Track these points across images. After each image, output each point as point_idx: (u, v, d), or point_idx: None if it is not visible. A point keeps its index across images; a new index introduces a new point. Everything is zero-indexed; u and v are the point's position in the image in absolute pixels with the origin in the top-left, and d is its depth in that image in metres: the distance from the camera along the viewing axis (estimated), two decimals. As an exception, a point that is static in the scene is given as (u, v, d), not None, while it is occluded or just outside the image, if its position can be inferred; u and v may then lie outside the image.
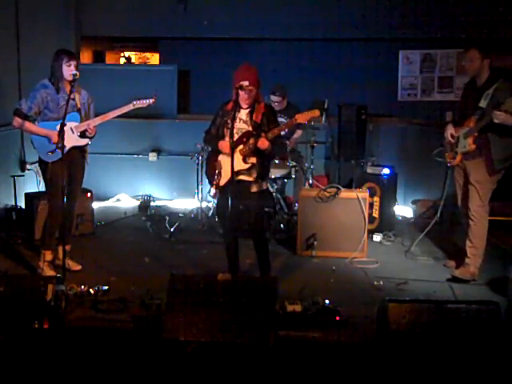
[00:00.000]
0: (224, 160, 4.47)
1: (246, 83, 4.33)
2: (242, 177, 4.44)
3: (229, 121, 4.40)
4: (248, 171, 4.44)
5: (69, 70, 4.63)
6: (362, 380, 3.44)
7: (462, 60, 4.78)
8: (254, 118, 4.43)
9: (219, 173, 4.50)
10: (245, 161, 4.40)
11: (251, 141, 4.38)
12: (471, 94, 4.77)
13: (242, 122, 4.46)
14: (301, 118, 4.33)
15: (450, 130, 4.87)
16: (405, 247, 5.83)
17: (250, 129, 4.43)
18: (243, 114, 4.48)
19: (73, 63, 4.64)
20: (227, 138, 4.40)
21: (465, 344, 3.42)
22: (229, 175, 4.33)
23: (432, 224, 5.35)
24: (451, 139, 4.84)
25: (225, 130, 4.47)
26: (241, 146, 4.40)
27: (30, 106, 4.68)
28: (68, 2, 7.80)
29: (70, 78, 4.63)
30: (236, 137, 4.37)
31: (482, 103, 4.58)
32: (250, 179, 4.45)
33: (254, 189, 4.47)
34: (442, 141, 5.01)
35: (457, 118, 4.96)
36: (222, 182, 4.50)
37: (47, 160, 4.71)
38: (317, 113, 4.32)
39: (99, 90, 5.13)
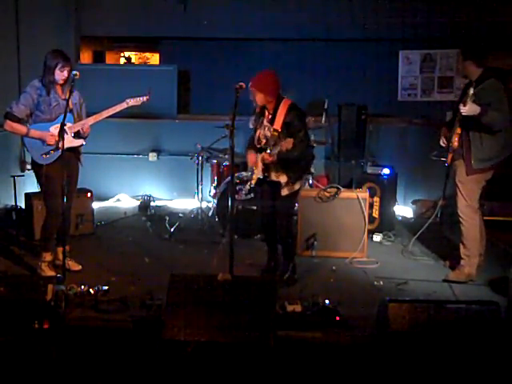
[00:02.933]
0: (258, 162, 4.67)
1: (250, 84, 4.49)
2: (272, 178, 4.63)
3: (257, 126, 4.64)
4: (276, 173, 4.61)
5: (61, 75, 4.61)
6: (362, 380, 3.44)
7: (459, 63, 4.82)
8: (274, 125, 4.53)
9: (253, 172, 4.71)
10: (263, 170, 4.62)
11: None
12: (464, 94, 4.74)
13: (266, 128, 4.59)
14: (284, 146, 4.36)
15: (444, 132, 4.88)
16: (405, 247, 5.83)
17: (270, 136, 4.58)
18: (267, 119, 4.61)
19: (67, 69, 4.59)
20: (256, 144, 4.66)
21: (465, 344, 3.42)
22: (257, 176, 4.66)
23: (428, 223, 5.34)
24: (445, 141, 4.83)
25: (254, 135, 4.71)
26: (262, 154, 4.58)
27: (21, 108, 4.60)
28: (68, 2, 7.80)
29: (61, 82, 4.64)
30: (263, 142, 4.60)
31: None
32: (280, 180, 4.61)
33: (285, 192, 4.63)
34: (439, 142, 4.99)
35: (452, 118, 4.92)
36: (253, 182, 4.73)
37: (42, 162, 4.65)
38: (290, 142, 4.35)
39: (99, 90, 5.15)
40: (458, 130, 4.63)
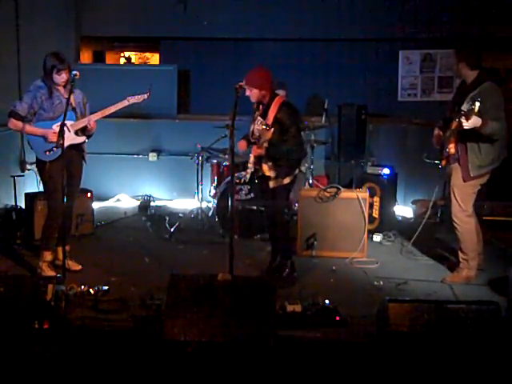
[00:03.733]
0: (251, 156, 4.78)
1: (243, 83, 4.50)
2: (264, 172, 4.70)
3: (252, 120, 4.74)
4: (266, 167, 4.68)
5: (60, 78, 4.67)
6: (362, 380, 3.44)
7: (454, 64, 4.79)
8: (266, 119, 4.62)
9: (246, 167, 4.82)
10: (255, 163, 4.72)
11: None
12: (459, 95, 4.72)
13: (259, 122, 4.67)
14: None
15: (436, 135, 4.86)
16: (405, 247, 5.83)
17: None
18: (260, 114, 4.69)
19: (64, 72, 4.65)
20: (250, 138, 4.76)
21: (465, 344, 3.42)
22: (250, 169, 4.77)
23: (423, 222, 5.32)
24: (437, 144, 4.83)
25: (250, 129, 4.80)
26: (254, 147, 4.69)
27: (25, 107, 4.68)
28: (68, 2, 7.80)
29: (62, 84, 4.70)
30: (256, 136, 4.70)
31: (464, 106, 4.48)
32: (269, 175, 4.69)
33: (272, 185, 4.70)
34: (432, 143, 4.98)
35: (447, 118, 4.84)
36: (247, 175, 4.88)
37: (45, 159, 4.70)
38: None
39: (99, 90, 5.15)
40: (455, 137, 4.57)
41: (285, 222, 4.86)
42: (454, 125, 4.54)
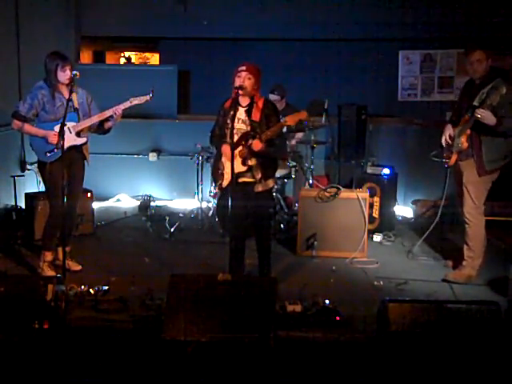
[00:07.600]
0: (226, 161, 4.46)
1: (242, 68, 4.37)
2: (244, 178, 4.43)
3: (228, 121, 4.38)
4: (250, 172, 4.42)
5: (64, 75, 4.65)
6: (362, 380, 3.44)
7: (467, 62, 4.64)
8: (252, 117, 4.41)
9: (222, 174, 4.52)
10: (244, 163, 4.39)
11: (249, 142, 4.37)
12: (468, 93, 4.71)
13: (240, 121, 4.44)
14: (290, 121, 4.31)
15: (448, 131, 4.82)
16: (405, 247, 5.83)
17: (248, 129, 4.41)
18: (242, 113, 4.45)
19: (67, 68, 4.64)
20: (228, 139, 4.38)
21: (465, 344, 3.42)
22: (237, 170, 4.31)
23: (433, 225, 5.33)
24: (448, 140, 4.79)
25: (225, 131, 4.45)
26: (240, 148, 4.38)
27: (27, 108, 4.70)
28: (68, 2, 7.81)
29: (67, 82, 4.67)
30: (236, 137, 4.36)
31: (476, 101, 4.51)
32: (254, 180, 4.44)
33: (259, 188, 4.46)
34: (440, 141, 4.93)
35: (454, 117, 4.89)
36: (225, 183, 4.52)
37: (45, 160, 4.71)
38: (304, 114, 4.32)
39: (99, 90, 5.13)
40: (468, 131, 4.56)
41: (270, 232, 4.70)
42: (465, 119, 4.56)
